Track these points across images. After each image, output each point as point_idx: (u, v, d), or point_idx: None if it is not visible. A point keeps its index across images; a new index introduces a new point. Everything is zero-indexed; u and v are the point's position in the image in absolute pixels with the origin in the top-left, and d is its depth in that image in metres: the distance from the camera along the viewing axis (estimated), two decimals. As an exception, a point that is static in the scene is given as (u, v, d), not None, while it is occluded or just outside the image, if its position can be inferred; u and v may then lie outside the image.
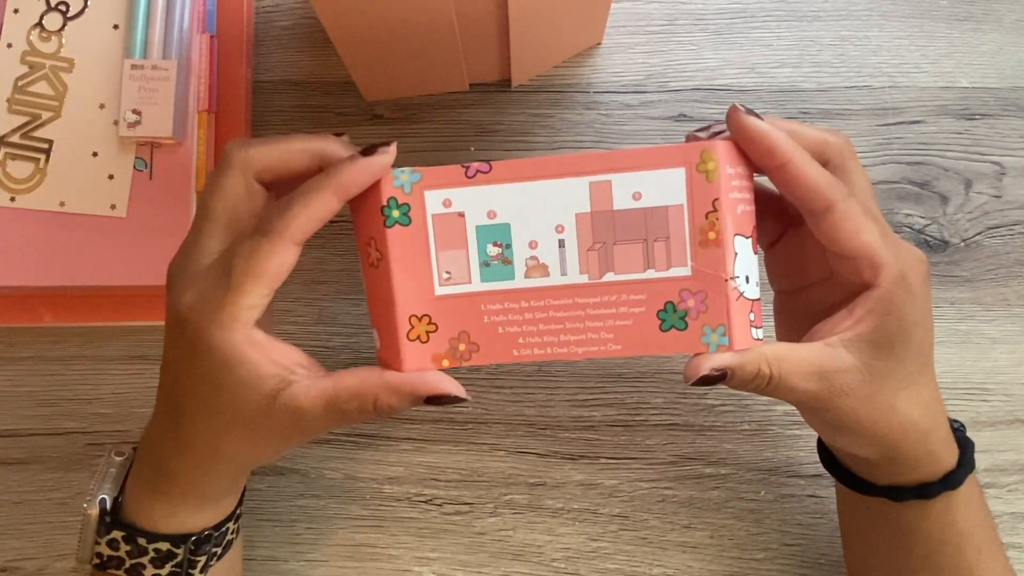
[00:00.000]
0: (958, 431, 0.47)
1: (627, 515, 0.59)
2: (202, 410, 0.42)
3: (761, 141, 0.40)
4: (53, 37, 0.60)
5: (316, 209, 0.40)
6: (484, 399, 0.60)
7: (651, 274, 0.41)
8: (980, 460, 0.48)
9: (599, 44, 0.65)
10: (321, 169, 0.41)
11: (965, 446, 0.46)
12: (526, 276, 0.41)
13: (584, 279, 0.41)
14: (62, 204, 0.59)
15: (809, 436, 0.59)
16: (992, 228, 0.62)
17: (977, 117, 0.63)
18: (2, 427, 0.60)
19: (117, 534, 0.45)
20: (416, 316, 0.42)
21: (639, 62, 0.64)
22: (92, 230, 0.58)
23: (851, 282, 0.42)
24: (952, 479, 0.45)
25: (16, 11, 0.60)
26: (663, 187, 0.40)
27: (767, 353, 0.41)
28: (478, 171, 0.41)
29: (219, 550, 0.47)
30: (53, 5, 0.60)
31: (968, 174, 0.63)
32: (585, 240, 0.41)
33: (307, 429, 0.41)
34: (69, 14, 0.60)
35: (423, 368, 0.42)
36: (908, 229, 0.62)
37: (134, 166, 0.59)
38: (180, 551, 0.45)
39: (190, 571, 0.46)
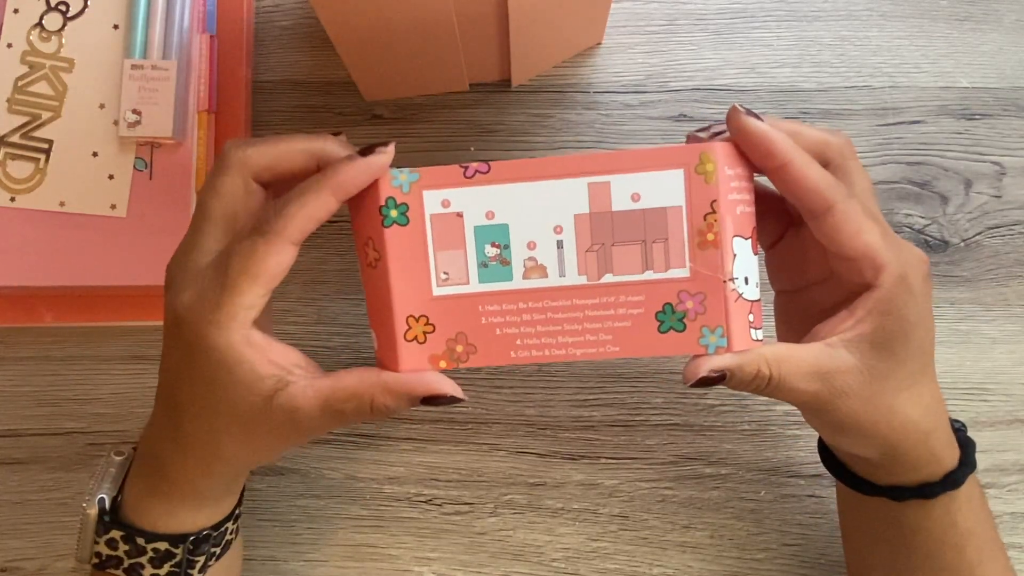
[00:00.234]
0: (959, 431, 0.47)
1: (627, 515, 0.59)
2: (200, 410, 0.42)
3: (761, 142, 0.40)
4: (53, 37, 0.60)
5: (314, 209, 0.40)
6: (484, 399, 0.60)
7: (649, 275, 0.41)
8: (980, 460, 0.48)
9: (599, 44, 0.65)
10: (319, 169, 0.41)
11: (966, 446, 0.46)
12: (524, 277, 0.41)
13: (582, 280, 0.41)
14: (62, 204, 0.59)
15: (809, 436, 0.59)
16: (992, 228, 0.62)
17: (977, 117, 0.63)
18: (2, 427, 0.60)
19: (116, 534, 0.45)
20: (413, 317, 0.42)
21: (639, 62, 0.64)
22: (92, 230, 0.58)
23: (852, 282, 0.42)
24: (953, 479, 0.45)
25: (16, 11, 0.60)
26: (662, 188, 0.40)
27: (766, 354, 0.41)
28: (477, 171, 0.41)
29: (218, 550, 0.47)
30: (53, 5, 0.60)
31: (968, 174, 0.63)
32: (584, 241, 0.41)
33: (305, 430, 0.41)
34: (69, 14, 0.60)
35: (420, 369, 0.42)
36: (908, 229, 0.62)
37: (134, 166, 0.59)
38: (179, 551, 0.45)
39: (189, 571, 0.46)
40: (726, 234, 0.40)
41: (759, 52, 0.65)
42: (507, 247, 0.41)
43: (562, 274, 0.41)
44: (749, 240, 0.41)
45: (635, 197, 0.40)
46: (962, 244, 0.62)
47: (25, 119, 0.59)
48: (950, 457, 0.45)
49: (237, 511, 0.49)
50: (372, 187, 0.41)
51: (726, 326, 0.41)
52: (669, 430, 0.60)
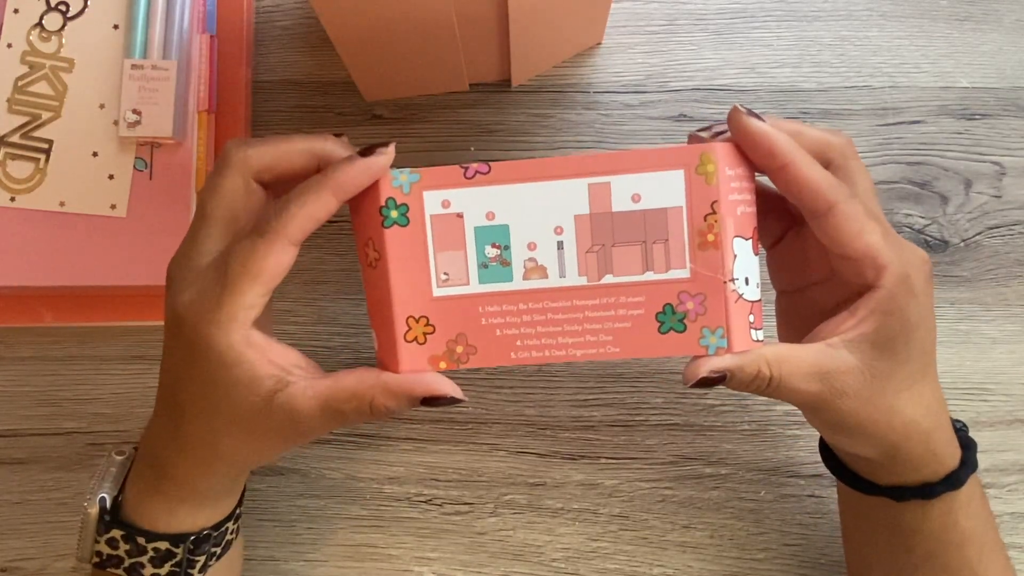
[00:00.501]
0: (961, 431, 0.47)
1: (627, 515, 0.59)
2: (200, 410, 0.42)
3: (762, 142, 0.40)
4: (53, 37, 0.60)
5: (313, 209, 0.40)
6: (484, 399, 0.60)
7: (650, 276, 0.41)
8: (980, 460, 0.48)
9: (599, 44, 0.65)
10: (320, 169, 0.41)
11: (967, 446, 0.46)
12: (524, 278, 0.41)
13: (583, 281, 0.41)
14: (62, 204, 0.59)
15: (809, 436, 0.59)
16: (992, 228, 0.62)
17: (977, 117, 0.63)
18: (2, 427, 0.60)
19: (116, 533, 0.45)
20: (413, 317, 0.42)
21: (639, 62, 0.64)
22: (92, 230, 0.58)
23: (853, 283, 0.42)
24: (954, 479, 0.45)
25: (16, 11, 0.60)
26: (662, 189, 0.40)
27: (767, 354, 0.41)
28: (477, 172, 0.41)
29: (218, 550, 0.47)
30: (53, 5, 0.60)
31: (968, 174, 0.63)
32: (584, 242, 0.41)
33: (304, 430, 0.41)
34: (69, 14, 0.60)
35: (420, 370, 0.42)
36: (908, 229, 0.62)
37: (134, 166, 0.59)
38: (179, 550, 0.45)
39: (189, 571, 0.46)
40: (726, 235, 0.40)
41: (759, 52, 0.65)
42: (507, 248, 0.41)
43: (562, 275, 0.41)
44: (750, 241, 0.41)
45: (635, 198, 0.40)
46: (962, 244, 0.62)
47: (25, 119, 0.59)
48: (951, 457, 0.45)
49: (238, 511, 0.49)
50: (372, 188, 0.41)
51: (726, 327, 0.41)
52: (669, 430, 0.60)
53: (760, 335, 0.42)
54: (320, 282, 0.62)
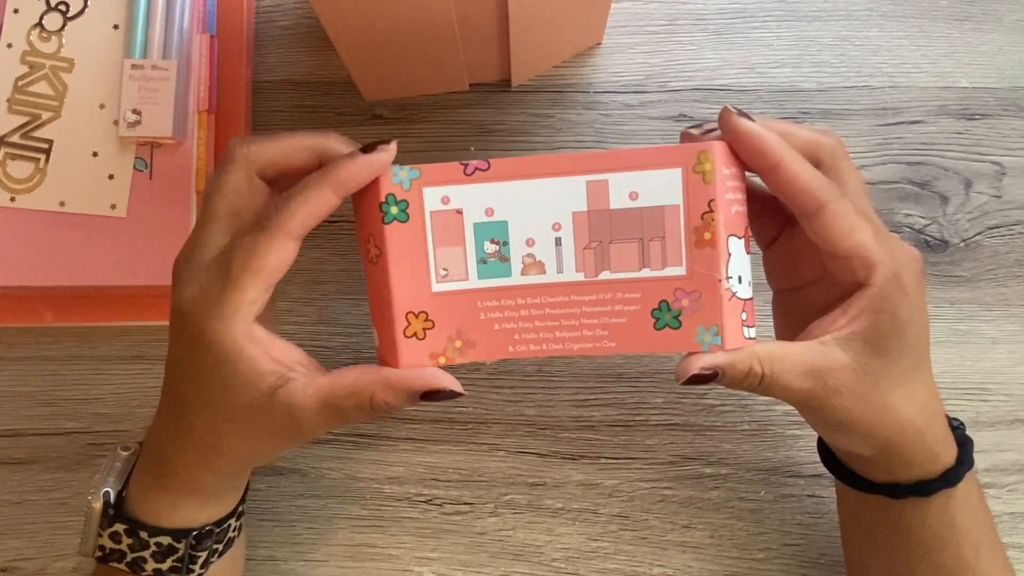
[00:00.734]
0: (957, 429, 0.47)
1: (627, 515, 0.59)
2: (202, 405, 0.42)
3: (752, 143, 0.40)
4: (53, 37, 0.60)
5: (314, 205, 0.40)
6: (484, 399, 0.60)
7: (646, 273, 0.41)
8: (980, 460, 0.48)
9: (599, 44, 0.65)
10: (322, 166, 0.42)
11: (964, 444, 0.46)
12: (523, 273, 0.42)
13: (580, 277, 0.41)
14: (62, 204, 0.59)
15: (809, 436, 0.59)
16: (992, 228, 0.62)
17: (977, 117, 0.63)
18: (2, 427, 0.60)
19: (119, 527, 0.45)
20: (413, 313, 0.42)
21: (639, 62, 0.65)
22: (92, 230, 0.58)
23: (845, 281, 0.43)
24: (950, 477, 0.45)
25: (16, 11, 0.60)
26: (660, 187, 0.40)
27: (759, 352, 0.41)
28: (477, 168, 0.41)
29: (220, 547, 0.48)
30: (53, 5, 0.60)
31: (968, 174, 0.63)
32: (582, 238, 0.41)
33: (305, 428, 0.41)
34: (69, 14, 0.60)
35: (420, 365, 0.42)
36: (908, 229, 0.62)
37: (134, 166, 0.59)
38: (181, 546, 0.45)
39: (191, 566, 0.46)
40: (722, 233, 0.40)
41: (759, 52, 0.65)
42: (506, 244, 0.41)
43: (560, 271, 0.41)
44: (743, 239, 0.42)
45: (633, 195, 0.41)
46: (962, 244, 0.62)
47: (25, 119, 0.59)
48: (947, 455, 0.45)
49: (240, 508, 0.49)
50: (373, 184, 0.41)
51: (720, 324, 0.41)
52: (669, 430, 0.60)
53: (753, 332, 0.42)
54: (321, 282, 0.62)
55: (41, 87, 0.60)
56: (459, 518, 0.59)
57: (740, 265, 0.41)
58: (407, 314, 0.42)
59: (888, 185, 0.62)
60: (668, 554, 0.58)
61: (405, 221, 0.41)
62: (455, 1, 0.52)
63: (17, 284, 0.58)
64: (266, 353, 0.41)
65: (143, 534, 0.44)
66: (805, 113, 0.63)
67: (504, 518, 0.59)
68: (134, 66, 0.59)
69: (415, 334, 0.42)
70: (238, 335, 0.40)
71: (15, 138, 0.59)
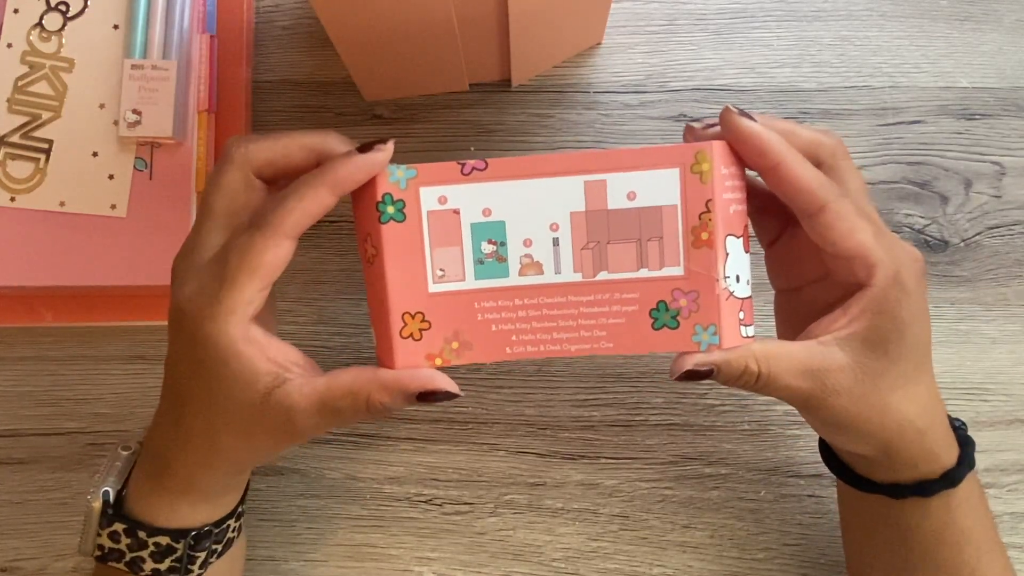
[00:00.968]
0: (959, 430, 0.47)
1: (627, 515, 0.59)
2: (200, 405, 0.42)
3: (753, 142, 0.40)
4: (53, 37, 0.60)
5: (310, 204, 0.40)
6: (484, 399, 0.60)
7: (644, 273, 0.41)
8: (980, 460, 0.48)
9: (599, 44, 0.65)
10: (319, 165, 0.42)
11: (965, 445, 0.46)
12: (520, 274, 0.42)
13: (578, 277, 0.41)
14: (62, 204, 0.59)
15: (809, 436, 0.59)
16: (992, 228, 0.62)
17: (977, 117, 0.63)
18: (2, 427, 0.60)
19: (119, 526, 0.45)
20: (409, 314, 0.42)
21: (639, 62, 0.65)
22: (92, 230, 0.59)
23: (846, 281, 0.43)
24: (951, 477, 0.45)
25: (16, 11, 0.60)
26: (657, 187, 0.40)
27: (756, 350, 0.41)
28: (474, 168, 0.41)
29: (219, 547, 0.47)
30: (53, 5, 0.61)
31: (968, 174, 0.63)
32: (579, 239, 0.41)
33: (302, 428, 0.41)
34: (69, 14, 0.61)
35: (416, 366, 0.42)
36: (908, 229, 0.62)
37: (134, 166, 0.59)
38: (179, 546, 0.45)
39: (189, 566, 0.46)
40: (720, 233, 0.40)
41: (759, 52, 0.65)
42: (503, 244, 0.41)
43: (558, 271, 0.41)
44: (741, 239, 0.42)
45: (631, 195, 0.40)
46: (962, 244, 0.62)
47: (25, 119, 0.59)
48: (948, 455, 0.45)
49: (240, 509, 0.49)
50: (370, 183, 0.41)
51: (718, 324, 0.41)
52: (669, 430, 0.60)
53: (751, 331, 0.42)
54: (320, 282, 0.62)
55: (41, 87, 0.60)
56: (459, 518, 0.59)
57: (738, 264, 0.41)
58: (403, 315, 0.42)
59: (888, 185, 0.62)
60: (668, 554, 0.58)
61: (402, 221, 0.41)
62: (455, 1, 0.52)
63: (17, 284, 0.58)
64: (262, 353, 0.41)
65: (141, 534, 0.44)
66: (805, 113, 0.63)
67: (504, 518, 0.59)
68: (134, 66, 0.59)
69: (411, 335, 0.42)
70: (235, 335, 0.40)
71: (15, 138, 0.59)
